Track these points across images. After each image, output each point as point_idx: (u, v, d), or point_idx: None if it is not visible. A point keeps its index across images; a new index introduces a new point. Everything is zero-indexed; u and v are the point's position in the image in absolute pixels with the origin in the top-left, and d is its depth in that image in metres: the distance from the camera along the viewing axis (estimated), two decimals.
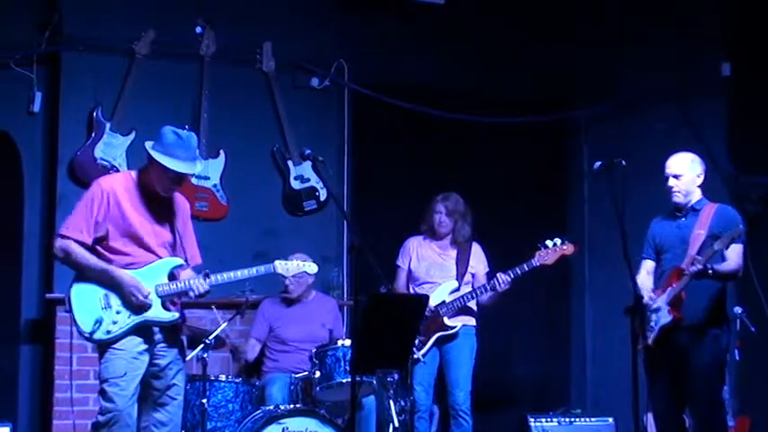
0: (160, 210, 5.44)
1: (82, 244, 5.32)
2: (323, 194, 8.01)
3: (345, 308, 7.89)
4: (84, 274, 5.34)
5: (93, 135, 7.40)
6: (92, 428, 5.35)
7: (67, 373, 6.59)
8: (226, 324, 6.74)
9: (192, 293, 5.35)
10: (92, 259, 5.32)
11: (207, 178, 7.73)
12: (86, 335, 5.30)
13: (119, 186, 5.39)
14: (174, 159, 5.30)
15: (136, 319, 5.31)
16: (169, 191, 5.41)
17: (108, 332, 5.29)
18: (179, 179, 5.37)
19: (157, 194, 5.39)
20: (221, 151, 7.79)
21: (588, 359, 8.75)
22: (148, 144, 5.37)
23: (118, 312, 5.32)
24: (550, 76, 8.53)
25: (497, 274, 6.89)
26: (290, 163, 7.99)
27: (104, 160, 7.34)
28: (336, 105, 8.12)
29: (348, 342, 6.55)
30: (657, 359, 6.01)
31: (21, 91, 7.34)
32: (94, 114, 7.43)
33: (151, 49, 7.48)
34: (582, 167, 8.81)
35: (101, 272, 5.32)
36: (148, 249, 5.40)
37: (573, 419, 7.85)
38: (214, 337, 6.55)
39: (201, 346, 6.46)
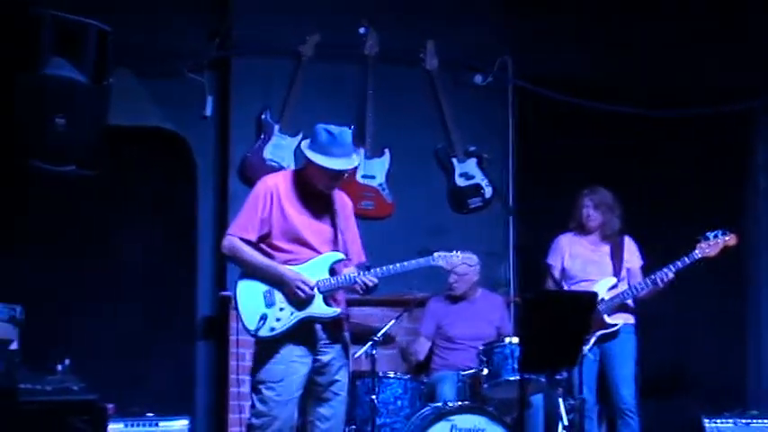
0: (320, 207, 5.46)
1: (247, 242, 5.37)
2: (488, 191, 7.96)
3: (512, 305, 7.84)
4: (248, 271, 5.39)
5: (262, 137, 7.54)
6: (247, 430, 5.46)
7: (241, 368, 6.71)
8: (394, 321, 6.72)
9: (358, 287, 5.35)
10: (256, 256, 5.37)
11: (372, 177, 7.77)
12: (251, 332, 5.33)
13: (282, 183, 5.43)
14: (331, 158, 5.32)
15: (299, 314, 5.33)
16: (329, 188, 5.42)
17: (272, 329, 5.34)
18: (338, 176, 5.38)
19: (317, 192, 5.41)
20: (386, 150, 7.83)
21: (765, 359, 8.50)
22: (304, 144, 5.42)
23: (281, 309, 5.36)
24: (720, 68, 8.26)
25: (662, 269, 6.71)
26: (454, 160, 7.96)
27: (273, 161, 7.46)
28: (500, 102, 8.09)
29: (515, 339, 6.51)
30: None
31: (193, 96, 7.52)
32: (263, 117, 7.57)
33: (316, 52, 7.60)
34: (756, 160, 8.57)
35: (265, 268, 5.37)
36: (309, 246, 5.41)
37: (750, 421, 7.62)
38: (382, 334, 6.57)
39: (370, 342, 6.50)
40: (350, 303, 6.71)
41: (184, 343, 7.54)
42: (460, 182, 7.95)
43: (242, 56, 7.53)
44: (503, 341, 6.62)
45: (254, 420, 5.30)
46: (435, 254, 5.54)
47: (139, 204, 7.44)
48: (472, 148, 6.22)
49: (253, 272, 5.36)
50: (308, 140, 5.42)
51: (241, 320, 5.32)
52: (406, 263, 5.43)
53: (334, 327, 5.41)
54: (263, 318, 5.29)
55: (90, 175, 5.99)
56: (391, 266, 5.42)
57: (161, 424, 6.74)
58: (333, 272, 5.42)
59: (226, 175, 7.51)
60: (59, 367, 5.41)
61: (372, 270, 5.36)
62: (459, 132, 7.87)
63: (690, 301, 7.51)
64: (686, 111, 8.09)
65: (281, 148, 7.54)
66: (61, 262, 7.12)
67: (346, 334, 5.51)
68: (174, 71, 7.38)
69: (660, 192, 8.12)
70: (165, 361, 7.38)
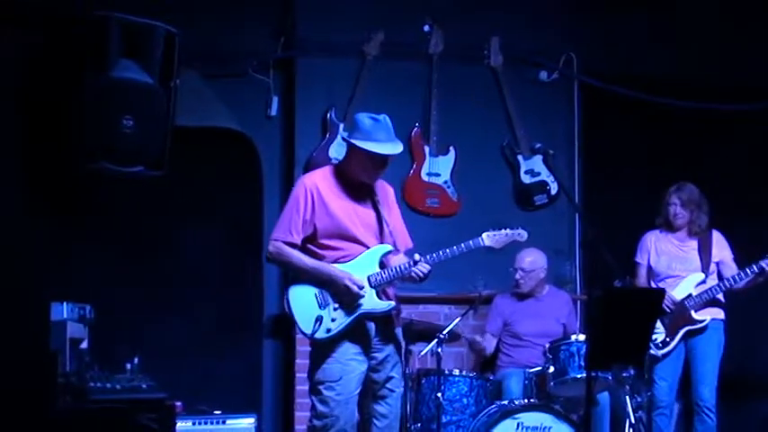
0: (363, 200, 5.42)
1: (292, 245, 5.34)
2: (554, 188, 7.90)
3: (579, 302, 7.77)
4: (297, 275, 5.37)
5: (327, 136, 7.55)
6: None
7: (307, 366, 6.53)
8: (459, 319, 6.68)
9: (415, 275, 5.31)
10: (303, 259, 5.34)
11: (438, 175, 7.73)
12: (308, 335, 5.31)
13: (321, 181, 5.38)
14: (377, 143, 5.26)
15: (354, 313, 5.31)
16: (374, 177, 5.37)
17: (328, 330, 5.31)
18: (384, 162, 5.32)
19: (359, 184, 5.35)
20: (451, 147, 7.78)
21: None
22: (345, 134, 5.39)
23: (335, 309, 5.34)
24: None
25: (764, 258, 6.59)
26: (519, 157, 7.92)
27: (338, 160, 7.26)
28: (565, 98, 8.02)
29: (582, 337, 6.47)
30: None
31: (259, 96, 7.53)
32: (328, 116, 7.56)
33: (381, 50, 7.57)
34: None
35: (313, 270, 5.33)
36: (357, 241, 5.36)
37: None
38: (448, 332, 6.52)
39: (435, 340, 6.46)
40: (415, 301, 7.16)
41: (252, 341, 7.56)
42: (526, 179, 7.91)
43: (307, 55, 7.54)
44: (569, 339, 6.61)
45: (315, 422, 5.31)
46: (483, 234, 5.48)
47: (206, 204, 7.45)
48: (537, 145, 6.10)
49: (302, 275, 5.34)
50: (348, 131, 5.39)
51: (297, 325, 5.34)
52: (455, 247, 5.38)
53: (386, 324, 5.40)
54: (319, 320, 5.27)
55: (158, 176, 6.01)
56: (441, 252, 5.38)
57: (228, 422, 6.76)
58: (383, 265, 5.38)
59: (291, 174, 7.50)
60: (128, 366, 5.47)
61: (423, 257, 5.33)
62: (525, 129, 7.81)
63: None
64: (755, 105, 7.95)
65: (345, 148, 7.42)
66: (130, 262, 7.19)
67: (398, 330, 5.49)
68: (239, 71, 7.43)
69: (726, 188, 7.94)
70: (232, 359, 7.41)
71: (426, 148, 7.67)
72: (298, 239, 5.30)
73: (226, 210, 7.50)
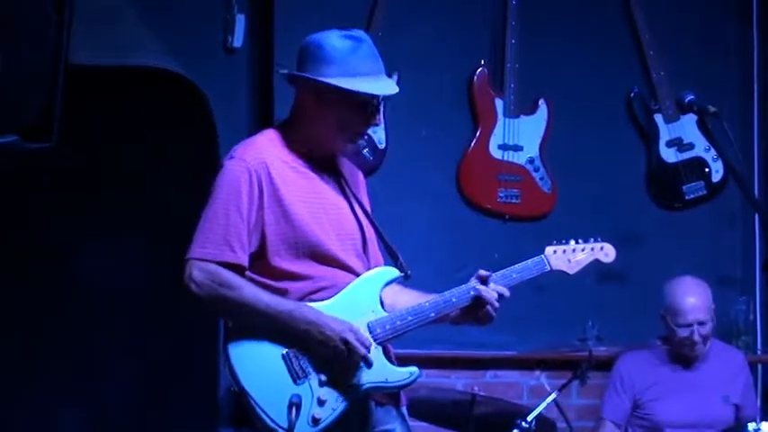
0: (332, 189, 4.50)
1: (235, 268, 4.32)
2: (717, 172, 6.94)
3: (759, 367, 7.01)
4: (247, 323, 4.37)
5: None
6: None
7: None
8: (555, 395, 5.76)
9: (486, 307, 4.35)
10: (262, 295, 4.32)
11: (518, 149, 6.76)
12: (284, 430, 4.24)
13: (271, 160, 4.41)
14: (364, 78, 4.33)
15: (356, 391, 4.40)
16: (355, 139, 4.55)
17: (314, 420, 4.29)
18: (374, 113, 4.41)
19: (323, 160, 4.50)
20: (541, 102, 6.80)
21: None
22: (302, 70, 4.41)
23: (321, 383, 4.34)
24: None
25: None
26: (657, 118, 6.92)
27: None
28: (736, 13, 7.01)
29: (767, 426, 5.62)
30: None
31: (211, 16, 6.37)
32: None
33: None
34: None
35: (282, 314, 4.30)
36: (334, 262, 4.41)
37: None
38: (534, 419, 5.59)
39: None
40: (476, 364, 6.67)
41: (198, 430, 6.52)
42: (669, 155, 6.96)
43: None
44: (745, 428, 5.75)
45: None
46: (547, 249, 4.63)
47: (123, 197, 6.50)
48: (689, 98, 4.75)
49: (259, 323, 4.35)
50: (306, 64, 4.39)
51: (258, 415, 4.25)
52: (506, 270, 4.47)
53: (391, 396, 4.58)
54: (295, 404, 4.23)
55: (42, 150, 4.93)
56: (501, 273, 4.59)
57: None
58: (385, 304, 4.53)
59: None
60: None
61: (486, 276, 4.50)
62: (667, 71, 6.80)
63: None
64: None
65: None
66: None
67: (404, 409, 4.60)
68: None
69: None
70: None
71: (499, 104, 6.76)
72: (244, 259, 4.29)
73: (155, 204, 6.54)
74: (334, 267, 4.40)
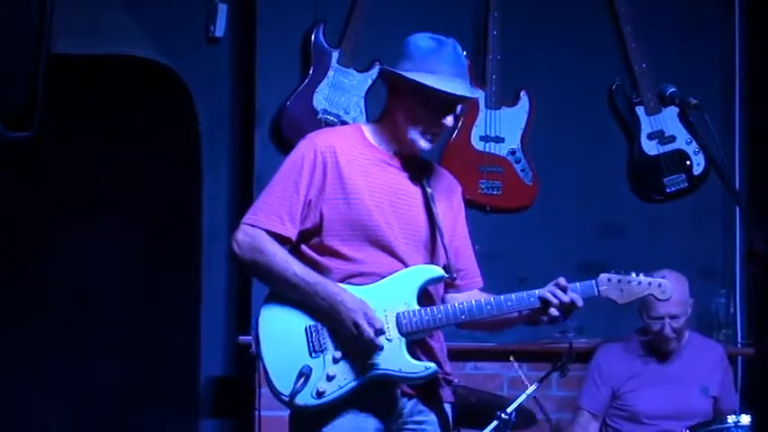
0: (409, 186, 4.65)
1: (280, 239, 4.53)
2: (698, 164, 7.06)
3: (739, 359, 7.05)
4: (279, 290, 4.59)
5: (311, 72, 6.69)
6: None
7: None
8: (535, 387, 5.85)
9: (553, 308, 4.49)
10: (292, 265, 4.53)
11: (499, 140, 6.85)
12: (284, 396, 4.47)
13: (340, 145, 4.63)
14: (445, 77, 4.48)
15: (366, 373, 4.53)
16: (435, 137, 4.62)
17: (319, 393, 4.47)
18: (451, 112, 4.54)
19: (406, 158, 4.66)
20: (522, 94, 6.92)
21: None
22: (390, 67, 4.62)
23: (336, 360, 4.52)
24: None
25: None
26: (639, 110, 7.06)
27: (330, 114, 6.67)
28: (718, 10, 7.15)
29: (746, 419, 5.78)
30: None
31: (194, 4, 6.57)
32: (312, 38, 6.71)
33: None
34: None
35: (303, 285, 4.52)
36: (389, 251, 4.57)
37: None
38: (515, 410, 5.68)
39: (494, 423, 5.69)
40: (460, 355, 6.66)
41: (179, 423, 6.66)
42: (651, 147, 7.08)
43: None
44: (724, 420, 5.89)
45: None
46: (602, 276, 4.63)
47: (105, 190, 6.55)
48: (671, 90, 4.62)
49: (288, 293, 4.56)
50: (394, 60, 4.60)
51: (268, 378, 4.51)
52: (539, 292, 4.52)
53: (426, 389, 4.62)
54: (305, 374, 4.43)
55: (22, 140, 4.66)
56: (515, 296, 4.59)
57: None
58: (423, 298, 4.56)
59: (250, 136, 6.62)
60: None
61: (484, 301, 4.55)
62: (648, 61, 6.94)
63: None
64: None
65: (342, 92, 6.73)
66: None
67: (447, 406, 4.68)
68: None
69: None
70: None
71: (480, 95, 6.84)
72: (292, 232, 4.54)
73: (138, 196, 6.63)
74: (387, 255, 4.55)
